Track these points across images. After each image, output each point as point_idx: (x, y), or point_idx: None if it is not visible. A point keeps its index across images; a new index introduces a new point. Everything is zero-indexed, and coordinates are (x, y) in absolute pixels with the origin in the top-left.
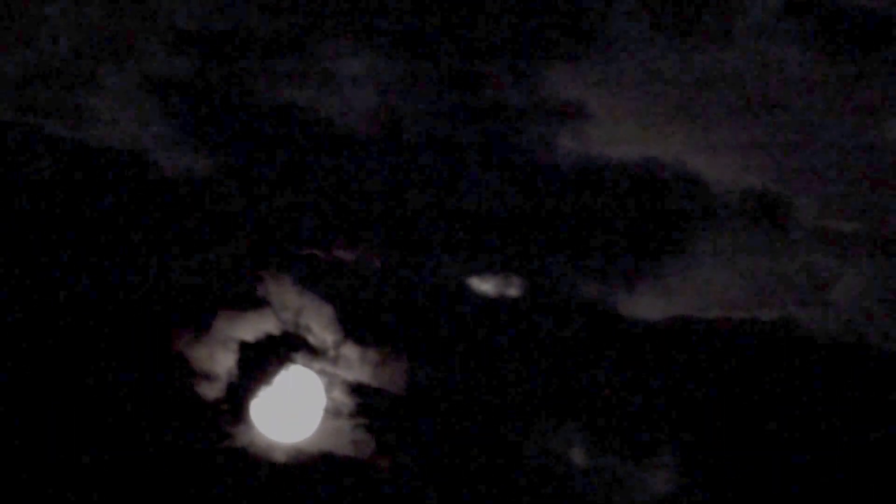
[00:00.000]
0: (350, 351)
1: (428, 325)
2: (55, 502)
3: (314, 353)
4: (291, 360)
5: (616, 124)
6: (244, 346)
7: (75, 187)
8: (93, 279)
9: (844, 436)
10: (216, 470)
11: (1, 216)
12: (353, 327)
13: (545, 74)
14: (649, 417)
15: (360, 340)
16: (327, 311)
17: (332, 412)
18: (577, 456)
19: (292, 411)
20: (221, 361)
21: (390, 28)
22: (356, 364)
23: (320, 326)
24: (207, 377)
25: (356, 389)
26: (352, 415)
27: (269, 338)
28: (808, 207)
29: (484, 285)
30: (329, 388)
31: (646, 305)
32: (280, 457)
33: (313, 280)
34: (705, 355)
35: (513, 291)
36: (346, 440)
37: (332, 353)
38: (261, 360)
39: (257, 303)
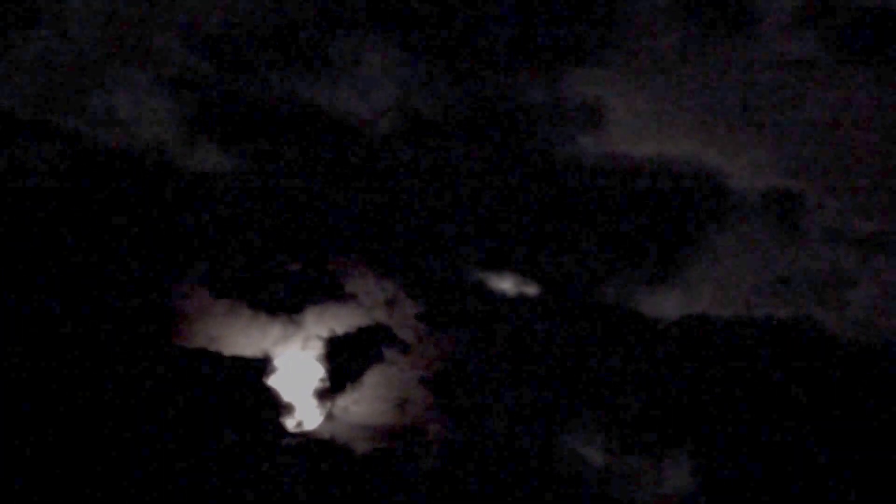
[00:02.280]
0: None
1: (443, 321)
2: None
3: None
4: (380, 356)
5: (636, 124)
6: (330, 342)
7: (96, 186)
8: (115, 276)
9: (861, 435)
10: (300, 462)
11: (27, 214)
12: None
13: (566, 74)
14: (668, 414)
15: None
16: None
17: (416, 405)
18: (597, 452)
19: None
20: (305, 357)
21: (412, 27)
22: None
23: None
24: (288, 372)
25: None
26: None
27: (359, 331)
28: (827, 207)
29: (503, 283)
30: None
31: (665, 304)
32: (361, 448)
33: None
34: (723, 354)
35: (532, 290)
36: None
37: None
38: (348, 355)
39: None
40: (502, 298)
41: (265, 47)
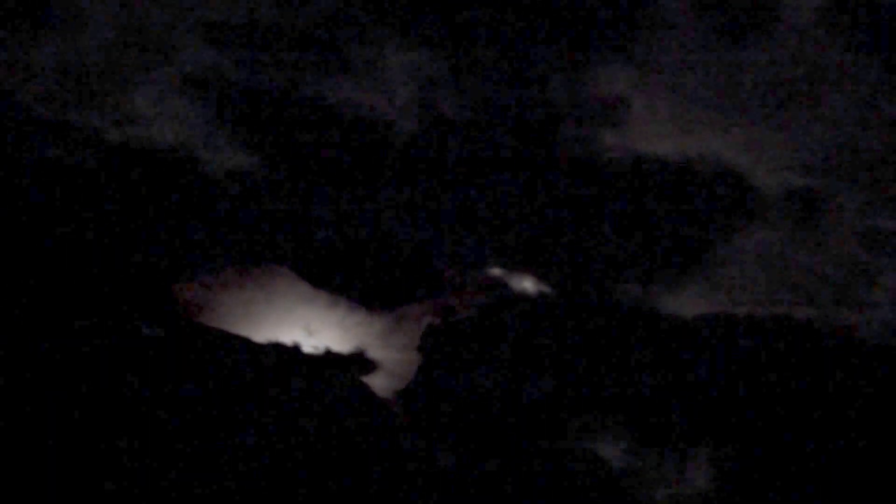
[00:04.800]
0: None
1: (468, 322)
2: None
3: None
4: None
5: (657, 122)
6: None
7: (120, 184)
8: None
9: (882, 434)
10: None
11: (51, 213)
12: None
13: (588, 72)
14: (688, 413)
15: None
16: None
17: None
18: (617, 451)
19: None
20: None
21: (433, 26)
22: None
23: None
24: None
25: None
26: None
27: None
28: (849, 205)
29: (524, 283)
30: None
31: (686, 302)
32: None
33: None
34: (743, 352)
35: (553, 289)
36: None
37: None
38: (443, 351)
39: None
40: (522, 296)
41: (290, 45)
